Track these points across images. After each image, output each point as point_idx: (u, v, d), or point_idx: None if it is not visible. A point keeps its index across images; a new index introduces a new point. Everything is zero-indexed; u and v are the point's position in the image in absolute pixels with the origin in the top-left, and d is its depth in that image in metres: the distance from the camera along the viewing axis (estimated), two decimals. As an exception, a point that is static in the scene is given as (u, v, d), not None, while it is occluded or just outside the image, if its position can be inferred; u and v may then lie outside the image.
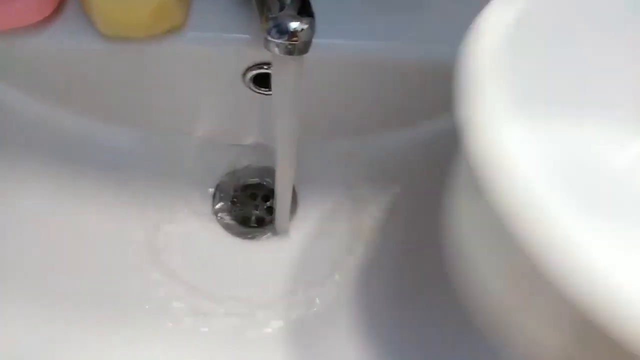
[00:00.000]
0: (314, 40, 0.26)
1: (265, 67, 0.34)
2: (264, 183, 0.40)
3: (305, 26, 0.25)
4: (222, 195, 0.39)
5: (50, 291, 0.33)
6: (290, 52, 0.26)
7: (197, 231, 0.38)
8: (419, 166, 0.37)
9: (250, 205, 0.39)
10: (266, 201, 0.40)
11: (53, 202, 0.35)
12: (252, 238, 0.38)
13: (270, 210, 0.39)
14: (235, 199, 0.39)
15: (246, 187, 0.40)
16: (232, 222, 0.38)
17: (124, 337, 0.32)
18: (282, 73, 0.28)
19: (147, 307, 0.34)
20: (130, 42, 0.32)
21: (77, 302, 0.33)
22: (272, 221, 0.38)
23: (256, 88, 0.35)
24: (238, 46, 0.33)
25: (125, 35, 0.31)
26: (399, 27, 0.34)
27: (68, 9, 0.33)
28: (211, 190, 0.39)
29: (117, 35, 0.31)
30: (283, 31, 0.25)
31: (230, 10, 0.33)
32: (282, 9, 0.26)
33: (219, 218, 0.38)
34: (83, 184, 0.36)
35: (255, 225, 0.39)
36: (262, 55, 0.33)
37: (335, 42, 0.33)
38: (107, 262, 0.35)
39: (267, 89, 0.35)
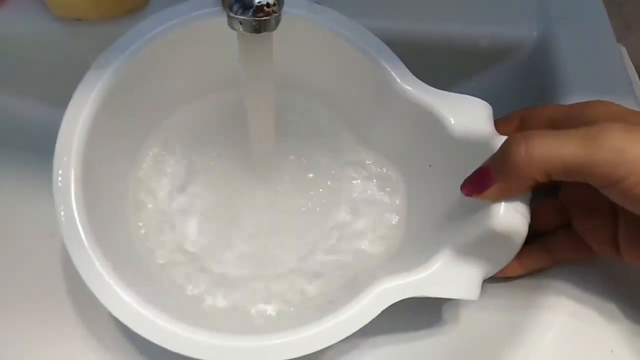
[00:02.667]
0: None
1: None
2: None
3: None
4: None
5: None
6: (256, 29, 0.23)
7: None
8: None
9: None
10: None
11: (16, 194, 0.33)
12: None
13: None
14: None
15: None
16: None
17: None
18: (250, 53, 0.25)
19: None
20: (88, 23, 0.29)
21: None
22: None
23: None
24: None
25: (81, 17, 0.29)
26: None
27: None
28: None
29: (72, 16, 0.29)
30: (247, 6, 0.22)
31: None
32: (245, -20, 0.23)
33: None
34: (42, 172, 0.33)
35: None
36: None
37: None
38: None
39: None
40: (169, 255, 0.30)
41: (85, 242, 0.24)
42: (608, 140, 0.21)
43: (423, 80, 0.29)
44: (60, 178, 0.25)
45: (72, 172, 0.25)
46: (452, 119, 0.28)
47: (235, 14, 0.23)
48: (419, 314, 0.29)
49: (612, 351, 0.25)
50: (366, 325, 0.24)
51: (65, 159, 0.25)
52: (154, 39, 0.27)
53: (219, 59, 0.29)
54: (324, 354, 0.29)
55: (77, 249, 0.24)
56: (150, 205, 0.31)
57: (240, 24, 0.23)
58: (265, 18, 0.23)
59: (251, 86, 0.27)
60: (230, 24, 0.23)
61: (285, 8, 0.23)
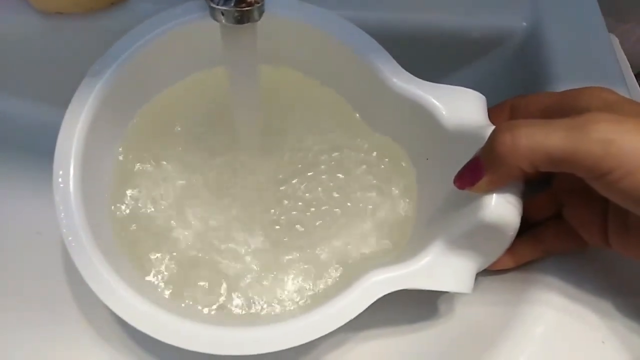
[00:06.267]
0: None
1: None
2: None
3: (253, -11, 0.22)
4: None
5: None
6: (239, 20, 0.23)
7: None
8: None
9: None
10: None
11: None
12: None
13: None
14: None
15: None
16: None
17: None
18: (233, 44, 0.25)
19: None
20: (70, 17, 0.29)
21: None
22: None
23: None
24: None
25: (63, 10, 0.28)
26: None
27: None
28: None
29: (54, 10, 0.28)
30: (229, -4, 0.22)
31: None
32: (226, -30, 0.22)
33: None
34: (21, 172, 0.33)
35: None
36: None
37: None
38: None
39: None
40: (163, 253, 0.30)
41: (84, 240, 0.25)
42: (595, 131, 0.21)
43: (413, 73, 0.28)
44: (60, 179, 0.26)
45: (72, 172, 0.26)
46: (444, 111, 0.27)
47: (217, 5, 0.23)
48: (410, 307, 0.29)
49: (603, 342, 0.25)
50: (356, 318, 0.24)
51: (64, 160, 0.26)
52: (146, 45, 0.28)
53: (210, 56, 0.29)
54: (314, 347, 0.29)
55: (76, 246, 0.25)
56: (144, 204, 0.31)
57: (222, 14, 0.23)
58: (247, 8, 0.23)
59: (235, 77, 0.26)
60: (212, 15, 0.23)
61: (272, 6, 0.23)
